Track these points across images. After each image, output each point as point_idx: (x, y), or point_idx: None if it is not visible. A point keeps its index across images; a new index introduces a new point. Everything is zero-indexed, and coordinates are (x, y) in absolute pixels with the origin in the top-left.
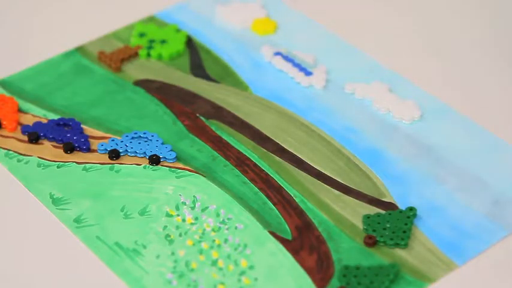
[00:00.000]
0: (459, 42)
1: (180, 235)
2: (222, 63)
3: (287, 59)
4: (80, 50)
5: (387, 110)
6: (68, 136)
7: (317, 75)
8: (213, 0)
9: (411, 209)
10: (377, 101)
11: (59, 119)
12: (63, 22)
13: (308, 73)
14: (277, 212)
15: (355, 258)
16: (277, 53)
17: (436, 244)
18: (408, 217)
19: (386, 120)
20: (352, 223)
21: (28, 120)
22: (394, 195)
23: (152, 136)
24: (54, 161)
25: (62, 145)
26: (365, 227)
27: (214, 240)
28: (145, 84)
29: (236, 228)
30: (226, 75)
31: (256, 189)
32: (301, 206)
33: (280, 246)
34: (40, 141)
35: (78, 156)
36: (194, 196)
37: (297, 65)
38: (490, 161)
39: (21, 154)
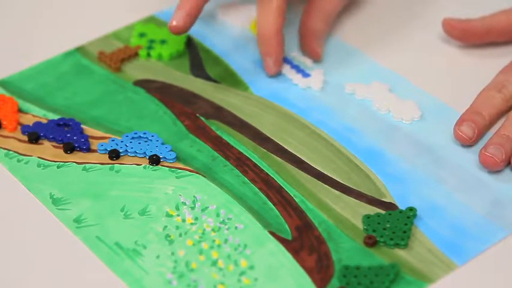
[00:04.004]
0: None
1: (180, 235)
2: (222, 63)
3: (285, 60)
4: (80, 50)
5: (387, 110)
6: (68, 136)
7: (315, 76)
8: (213, 1)
9: (411, 209)
10: (377, 101)
11: (59, 119)
12: (63, 22)
13: (306, 75)
14: (277, 212)
15: (355, 258)
16: None
17: (436, 244)
18: (408, 217)
19: (387, 120)
20: (352, 223)
21: (28, 120)
22: (394, 195)
23: (152, 136)
24: (54, 161)
25: (62, 145)
26: (365, 227)
27: (214, 240)
28: (145, 84)
29: (236, 228)
30: (226, 75)
31: (256, 189)
32: (301, 206)
33: (280, 246)
34: (40, 141)
35: (78, 156)
36: (194, 196)
37: (294, 67)
38: None
39: (21, 154)
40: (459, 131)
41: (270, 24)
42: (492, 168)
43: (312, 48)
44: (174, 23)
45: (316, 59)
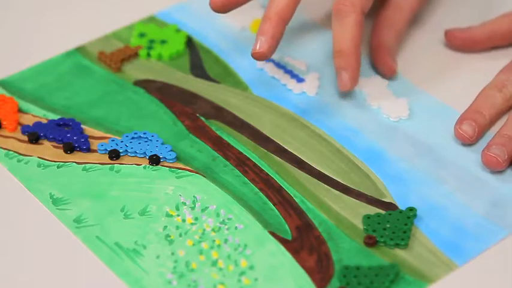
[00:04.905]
0: None
1: (180, 235)
2: (222, 63)
3: (279, 65)
4: (80, 50)
5: (378, 106)
6: (68, 136)
7: (309, 82)
8: None
9: (411, 209)
10: (371, 96)
11: (59, 119)
12: (63, 22)
13: (300, 80)
14: (277, 212)
15: (355, 258)
16: (269, 60)
17: (436, 244)
18: (408, 217)
19: (386, 120)
20: (352, 223)
21: (28, 120)
22: (394, 195)
23: (152, 136)
24: (54, 161)
25: (62, 145)
26: (365, 227)
27: (214, 241)
28: (145, 84)
29: (236, 228)
30: (226, 75)
31: (256, 189)
32: (301, 206)
33: (280, 246)
34: (40, 141)
35: (78, 156)
36: (194, 196)
37: (288, 72)
38: None
39: (21, 154)
40: (460, 130)
41: (348, 38)
42: (495, 168)
43: (388, 64)
44: (258, 48)
45: (391, 74)
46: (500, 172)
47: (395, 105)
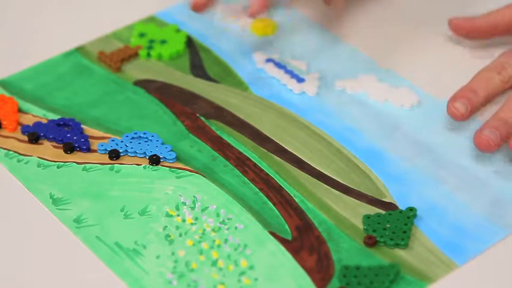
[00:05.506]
0: (458, 41)
1: (180, 235)
2: (222, 63)
3: (279, 65)
4: (80, 50)
5: (384, 100)
6: (68, 136)
7: (309, 81)
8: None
9: (411, 209)
10: (372, 94)
11: (59, 119)
12: (63, 22)
13: (300, 80)
14: (277, 212)
15: (355, 258)
16: (269, 60)
17: (436, 244)
18: (408, 217)
19: (386, 120)
20: (352, 223)
21: (28, 120)
22: (394, 195)
23: (152, 136)
24: (54, 161)
25: (62, 145)
26: (365, 227)
27: (214, 241)
28: (145, 84)
29: (236, 228)
30: (226, 75)
31: (256, 189)
32: (301, 206)
33: (280, 246)
34: (40, 141)
35: (78, 156)
36: (194, 196)
37: (289, 72)
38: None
39: (21, 154)
40: (452, 107)
41: None
42: (485, 150)
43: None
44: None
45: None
46: (500, 172)
47: (401, 94)
